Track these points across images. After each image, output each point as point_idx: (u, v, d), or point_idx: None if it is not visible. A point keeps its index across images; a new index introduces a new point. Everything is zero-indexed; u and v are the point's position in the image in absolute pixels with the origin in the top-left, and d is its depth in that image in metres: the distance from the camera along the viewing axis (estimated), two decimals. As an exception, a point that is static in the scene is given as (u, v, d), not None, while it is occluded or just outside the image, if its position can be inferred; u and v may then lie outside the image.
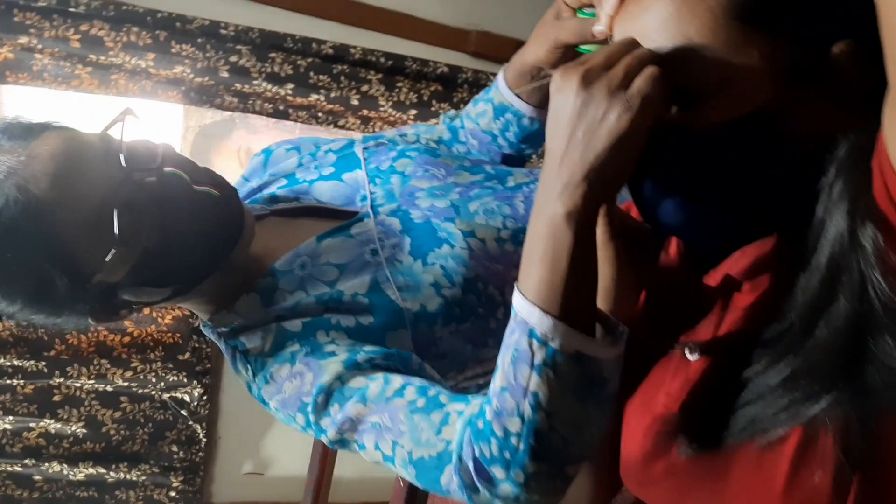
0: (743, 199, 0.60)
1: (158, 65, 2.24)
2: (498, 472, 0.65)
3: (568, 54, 0.88)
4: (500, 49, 2.33)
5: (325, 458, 2.22)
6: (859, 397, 0.53)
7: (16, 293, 0.81)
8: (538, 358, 0.60)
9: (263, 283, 0.91)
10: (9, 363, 2.25)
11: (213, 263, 0.89)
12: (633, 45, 0.58)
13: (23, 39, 2.18)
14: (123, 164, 0.80)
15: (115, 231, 0.78)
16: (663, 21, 0.56)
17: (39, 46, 2.19)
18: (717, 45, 0.55)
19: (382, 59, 2.33)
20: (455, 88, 2.40)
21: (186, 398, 2.33)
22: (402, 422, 0.75)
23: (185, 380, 2.33)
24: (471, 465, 0.67)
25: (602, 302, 0.68)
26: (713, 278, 0.65)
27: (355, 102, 2.34)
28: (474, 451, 0.67)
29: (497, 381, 0.64)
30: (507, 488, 0.66)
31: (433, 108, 2.39)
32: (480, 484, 0.67)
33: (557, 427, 0.62)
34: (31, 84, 2.25)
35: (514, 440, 0.63)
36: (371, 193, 0.99)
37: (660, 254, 0.72)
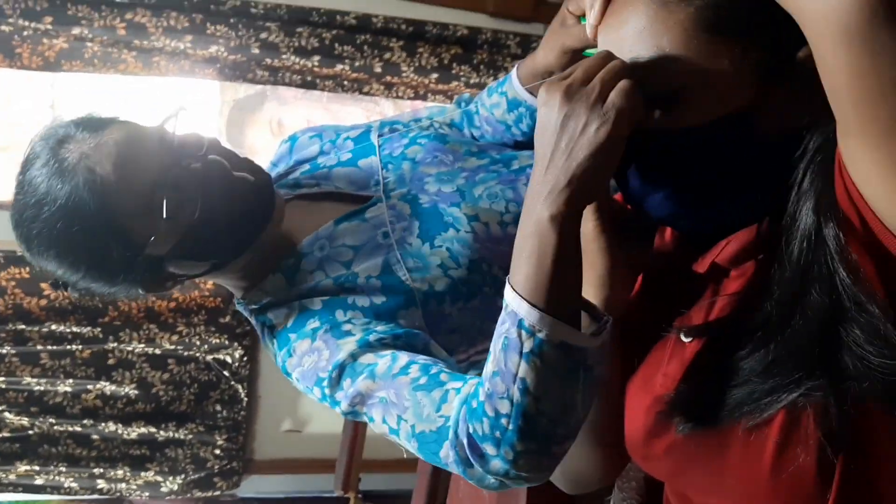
0: (723, 190, 0.65)
1: (195, 45, 2.40)
2: (489, 449, 0.71)
3: (575, 58, 0.94)
4: (519, 8, 2.37)
5: (360, 416, 2.24)
6: (836, 383, 0.57)
7: (80, 262, 0.92)
8: (527, 347, 0.66)
9: (287, 263, 1.00)
10: (68, 329, 2.43)
11: (248, 240, 0.98)
12: (608, 58, 0.63)
13: (76, 30, 2.39)
14: (174, 151, 0.92)
15: (164, 209, 0.89)
16: (638, 33, 0.62)
17: (90, 36, 2.39)
18: (688, 55, 0.60)
19: (403, 27, 2.42)
20: (475, 50, 2.45)
21: (228, 360, 2.44)
22: (406, 398, 0.82)
23: (227, 342, 2.44)
24: (465, 441, 0.73)
25: (598, 289, 0.74)
26: (702, 265, 0.70)
27: (378, 70, 2.43)
28: (468, 428, 0.73)
29: (489, 366, 0.71)
30: (497, 464, 0.71)
31: (454, 71, 2.45)
32: (474, 459, 0.73)
33: (544, 410, 0.68)
34: (84, 71, 2.45)
35: (504, 421, 0.69)
36: (384, 178, 1.07)
37: (653, 240, 0.78)
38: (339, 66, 2.43)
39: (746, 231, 0.66)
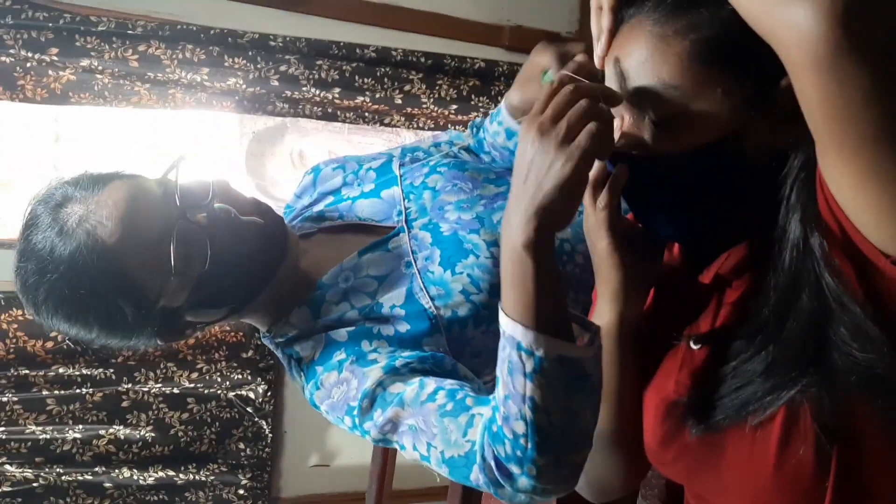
0: (719, 207, 0.71)
1: (213, 78, 2.37)
2: (514, 468, 0.75)
3: None
4: (533, 41, 2.42)
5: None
6: (828, 379, 0.62)
7: (91, 323, 0.92)
8: (528, 367, 0.69)
9: (312, 296, 1.02)
10: (77, 373, 2.32)
11: (262, 283, 1.00)
12: (576, 93, 0.68)
13: (84, 62, 2.32)
14: (178, 203, 0.92)
15: (172, 263, 0.89)
16: (640, 64, 0.68)
17: (100, 68, 2.33)
18: (685, 84, 0.66)
19: (422, 59, 2.46)
20: (492, 82, 2.52)
21: (251, 395, 2.37)
22: (434, 425, 0.84)
23: (250, 377, 2.37)
24: (493, 463, 0.77)
25: (613, 303, 0.79)
26: (706, 277, 0.76)
27: (399, 101, 2.46)
28: (494, 451, 0.77)
29: (500, 391, 0.74)
30: (524, 482, 0.75)
31: (473, 102, 2.51)
32: (503, 479, 0.77)
33: (554, 421, 0.72)
34: (93, 103, 2.36)
35: (522, 440, 0.73)
36: (406, 209, 1.09)
37: (662, 255, 0.84)
38: (359, 98, 2.45)
39: (744, 244, 0.72)
